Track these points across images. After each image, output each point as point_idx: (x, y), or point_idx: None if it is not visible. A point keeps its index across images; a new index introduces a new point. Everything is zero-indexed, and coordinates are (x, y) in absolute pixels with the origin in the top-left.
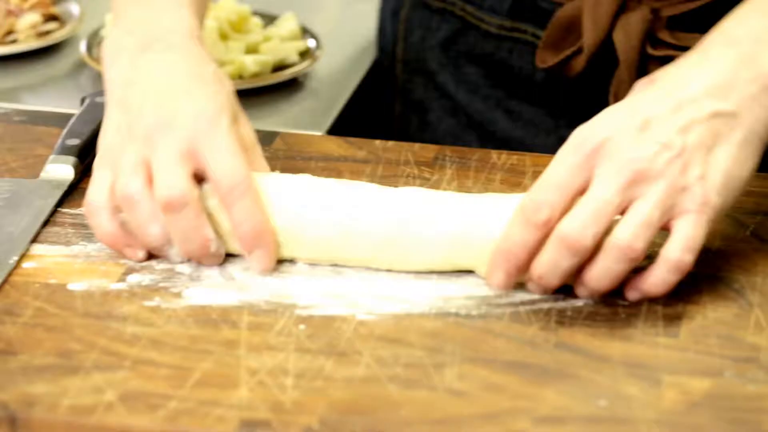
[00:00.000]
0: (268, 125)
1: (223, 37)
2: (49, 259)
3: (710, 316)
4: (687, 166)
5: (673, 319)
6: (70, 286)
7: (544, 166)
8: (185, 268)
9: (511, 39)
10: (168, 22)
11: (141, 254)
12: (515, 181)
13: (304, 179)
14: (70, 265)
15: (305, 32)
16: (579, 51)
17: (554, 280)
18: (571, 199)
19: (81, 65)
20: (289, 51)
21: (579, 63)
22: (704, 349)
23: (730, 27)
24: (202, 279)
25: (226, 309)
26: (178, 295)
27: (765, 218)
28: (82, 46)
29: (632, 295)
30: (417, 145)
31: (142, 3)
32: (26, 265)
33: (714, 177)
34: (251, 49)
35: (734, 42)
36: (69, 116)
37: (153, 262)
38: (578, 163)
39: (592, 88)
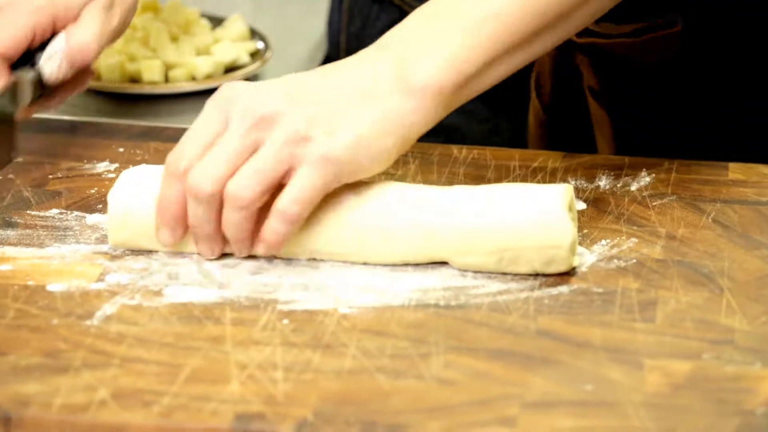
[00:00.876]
0: None
1: (174, 38)
2: (24, 261)
3: (683, 301)
4: (314, 120)
5: (648, 305)
6: (49, 287)
7: (505, 159)
8: (162, 267)
9: None
10: None
11: None
12: (478, 174)
13: None
14: (46, 266)
15: (253, 34)
16: None
17: (205, 229)
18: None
19: None
20: (240, 52)
21: None
22: (681, 333)
23: (391, 31)
24: (180, 276)
25: (208, 306)
26: (158, 293)
27: (723, 205)
28: None
29: (257, 248)
30: None
31: None
32: (2, 267)
33: (344, 135)
34: (202, 51)
35: (383, 47)
36: None
37: (130, 262)
38: (213, 114)
39: (521, 78)
